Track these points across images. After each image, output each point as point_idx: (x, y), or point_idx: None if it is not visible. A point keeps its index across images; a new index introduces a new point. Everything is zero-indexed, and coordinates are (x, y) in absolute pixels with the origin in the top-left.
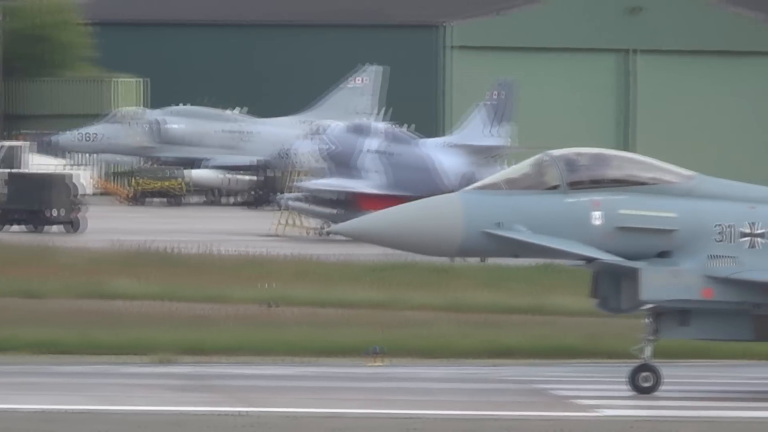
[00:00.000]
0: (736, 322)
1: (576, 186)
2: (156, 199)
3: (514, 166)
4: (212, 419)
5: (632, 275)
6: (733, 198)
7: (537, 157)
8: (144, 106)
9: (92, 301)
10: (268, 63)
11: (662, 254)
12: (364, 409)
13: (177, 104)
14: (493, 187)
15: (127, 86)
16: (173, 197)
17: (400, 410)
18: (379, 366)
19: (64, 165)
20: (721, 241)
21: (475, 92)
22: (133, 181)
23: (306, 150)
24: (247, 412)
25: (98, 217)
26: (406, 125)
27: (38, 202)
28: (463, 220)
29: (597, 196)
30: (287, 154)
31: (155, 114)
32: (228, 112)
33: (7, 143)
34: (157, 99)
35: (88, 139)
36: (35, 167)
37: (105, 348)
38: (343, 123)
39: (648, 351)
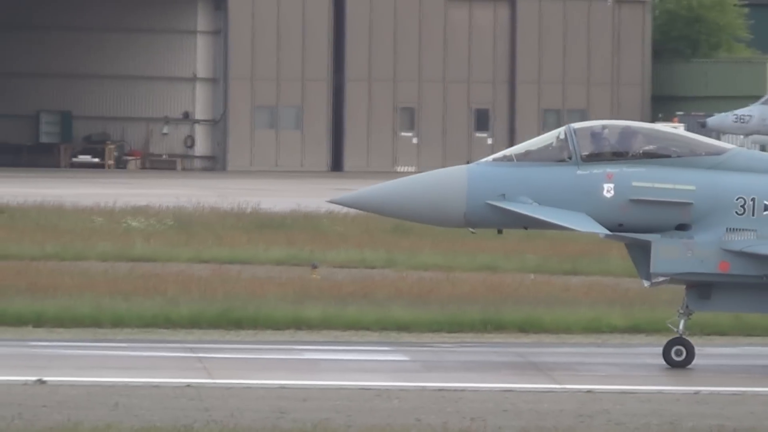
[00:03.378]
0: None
1: (591, 158)
2: None
3: (534, 139)
4: None
5: (647, 248)
6: (767, 171)
7: (557, 129)
8: None
9: None
10: None
11: (681, 227)
12: None
13: None
14: (505, 159)
15: None
16: None
17: None
18: None
19: None
20: (742, 214)
21: None
22: None
23: None
24: None
25: None
26: None
27: None
28: (467, 191)
29: (611, 169)
30: None
31: None
32: None
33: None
34: None
35: (740, 120)
36: None
37: (760, 330)
38: None
39: (681, 324)
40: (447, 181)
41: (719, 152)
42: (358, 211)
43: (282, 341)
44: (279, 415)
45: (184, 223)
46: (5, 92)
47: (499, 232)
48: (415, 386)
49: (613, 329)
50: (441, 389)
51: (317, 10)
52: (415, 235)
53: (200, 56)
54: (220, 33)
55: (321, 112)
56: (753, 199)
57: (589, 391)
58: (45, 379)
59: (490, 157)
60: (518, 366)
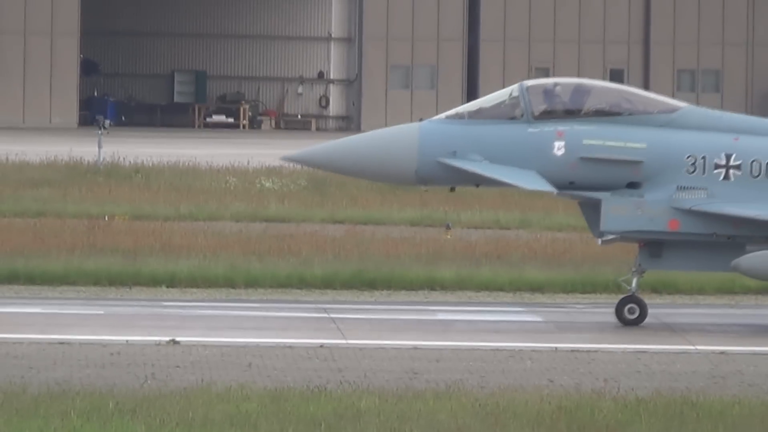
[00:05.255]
0: (723, 253)
1: (543, 116)
2: None
3: (486, 96)
4: None
5: (598, 206)
6: (719, 129)
7: (510, 87)
8: None
9: None
10: None
11: (632, 185)
12: None
13: None
14: (457, 116)
15: None
16: None
17: None
18: None
19: None
20: (692, 172)
21: None
22: None
23: None
24: None
25: None
26: None
27: None
28: (418, 149)
29: (561, 126)
30: None
31: None
32: None
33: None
34: None
35: None
36: None
37: None
38: None
39: (634, 282)
40: (398, 138)
41: (672, 110)
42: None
43: (415, 302)
44: (412, 375)
45: (318, 184)
46: (140, 52)
47: (452, 189)
48: (548, 347)
49: (747, 290)
50: (574, 350)
51: None
52: (549, 197)
53: (335, 16)
54: None
55: (455, 72)
56: (704, 158)
57: (722, 353)
58: (178, 339)
59: (443, 115)
60: (651, 327)
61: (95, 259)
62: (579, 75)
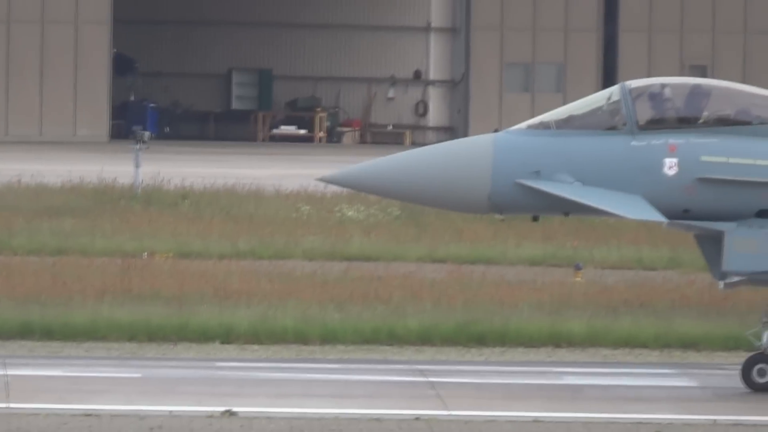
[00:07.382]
0: None
1: (650, 126)
2: None
3: (579, 101)
4: None
5: (720, 240)
6: None
7: (608, 89)
8: None
9: None
10: None
11: (763, 214)
12: None
13: None
14: (541, 126)
15: None
16: None
17: None
18: None
19: None
20: None
21: None
22: None
23: None
24: None
25: None
26: None
27: None
28: (492, 167)
29: (674, 139)
30: None
31: None
32: None
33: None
34: None
35: None
36: None
37: None
38: None
39: (765, 337)
40: (467, 154)
41: None
42: None
43: (536, 362)
44: None
45: (414, 214)
46: (189, 46)
47: (535, 219)
48: (704, 420)
49: None
50: (737, 423)
51: None
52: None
53: (435, 0)
54: None
55: (588, 70)
56: None
57: None
58: (235, 409)
59: (524, 124)
60: None
61: (131, 307)
62: (745, 74)
